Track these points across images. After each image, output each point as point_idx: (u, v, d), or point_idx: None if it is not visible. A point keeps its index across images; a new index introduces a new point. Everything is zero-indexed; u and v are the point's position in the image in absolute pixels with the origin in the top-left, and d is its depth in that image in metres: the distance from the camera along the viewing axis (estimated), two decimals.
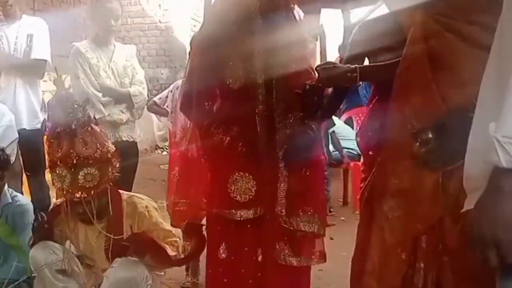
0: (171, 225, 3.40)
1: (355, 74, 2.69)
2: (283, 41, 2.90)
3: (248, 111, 2.90)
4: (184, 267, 4.45)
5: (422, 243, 2.49)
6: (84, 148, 3.09)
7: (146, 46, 11.02)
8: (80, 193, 3.11)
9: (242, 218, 2.92)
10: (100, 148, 3.16)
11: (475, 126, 1.47)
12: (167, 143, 4.18)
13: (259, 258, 3.02)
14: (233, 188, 2.91)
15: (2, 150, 3.69)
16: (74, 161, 3.06)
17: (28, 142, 4.07)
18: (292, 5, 3.02)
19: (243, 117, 2.92)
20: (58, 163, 3.12)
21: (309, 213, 2.95)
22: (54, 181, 3.18)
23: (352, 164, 6.66)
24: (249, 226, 2.98)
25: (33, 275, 3.46)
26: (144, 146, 7.81)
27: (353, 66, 2.71)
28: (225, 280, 3.08)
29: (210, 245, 3.18)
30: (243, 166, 2.92)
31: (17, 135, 4.14)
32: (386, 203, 2.49)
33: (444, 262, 2.46)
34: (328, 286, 4.18)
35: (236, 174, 2.92)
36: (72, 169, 3.07)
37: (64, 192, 3.16)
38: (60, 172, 3.11)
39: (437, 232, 2.45)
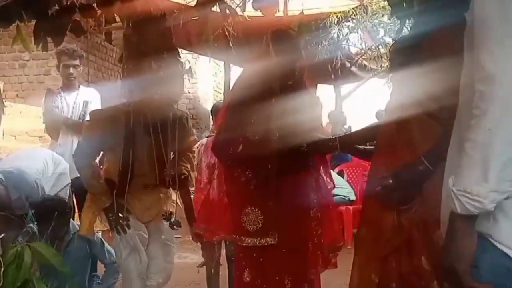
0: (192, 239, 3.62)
1: (336, 143, 2.84)
2: (295, 106, 2.96)
3: (263, 158, 2.91)
4: None
5: (392, 263, 2.41)
6: None
7: None
8: None
9: (249, 245, 2.92)
10: None
11: (445, 178, 1.47)
12: (193, 188, 4.19)
13: (288, 286, 2.99)
14: (245, 219, 2.92)
15: (52, 199, 3.75)
16: None
17: (80, 187, 4.10)
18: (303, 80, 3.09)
19: (258, 162, 2.93)
20: None
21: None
22: None
23: (344, 208, 6.71)
24: (272, 254, 2.95)
25: None
26: None
27: (334, 137, 2.86)
28: None
29: (238, 269, 3.14)
30: (255, 201, 2.93)
31: (69, 181, 4.18)
32: (360, 231, 2.51)
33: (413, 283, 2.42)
34: None
35: (248, 208, 2.92)
36: None
37: None
38: None
39: (402, 255, 2.38)
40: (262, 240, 2.92)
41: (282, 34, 3.01)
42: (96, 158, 3.47)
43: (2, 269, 1.75)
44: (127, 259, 3.25)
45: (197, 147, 4.89)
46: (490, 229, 1.31)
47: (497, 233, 1.31)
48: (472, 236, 1.32)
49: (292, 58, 2.96)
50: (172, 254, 3.48)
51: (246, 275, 3.04)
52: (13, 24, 2.80)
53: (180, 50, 3.44)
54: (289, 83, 3.01)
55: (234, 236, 3.00)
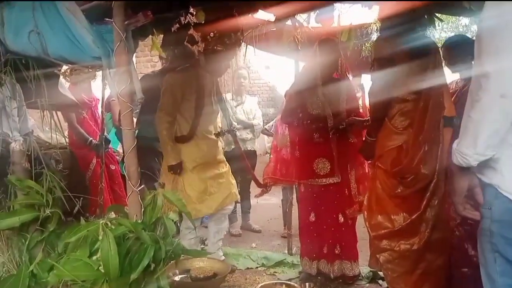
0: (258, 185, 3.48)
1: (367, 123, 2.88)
2: (337, 91, 3.08)
3: (321, 122, 3.03)
4: (282, 222, 4.51)
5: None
6: None
7: (261, 96, 11.17)
8: None
9: (322, 184, 3.04)
10: None
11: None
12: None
13: (340, 220, 3.07)
14: (316, 167, 3.05)
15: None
16: None
17: None
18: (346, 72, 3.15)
19: (318, 125, 3.04)
20: None
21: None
22: None
23: None
24: (329, 191, 3.05)
25: None
26: (259, 152, 7.93)
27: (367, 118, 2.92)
28: (315, 234, 3.13)
29: (303, 210, 3.21)
30: (322, 154, 3.04)
31: None
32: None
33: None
34: None
35: (318, 159, 3.05)
36: None
37: None
38: None
39: None
40: (330, 180, 3.04)
41: (327, 41, 3.06)
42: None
43: (142, 209, 1.80)
44: None
45: (274, 121, 4.95)
46: (499, 182, 1.35)
47: (504, 184, 1.35)
48: (464, 179, 1.42)
49: (334, 57, 3.05)
50: None
51: (311, 216, 3.13)
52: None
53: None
54: (332, 75, 3.12)
55: (311, 180, 3.09)
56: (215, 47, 2.97)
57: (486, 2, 1.32)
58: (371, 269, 3.06)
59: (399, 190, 2.48)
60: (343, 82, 3.13)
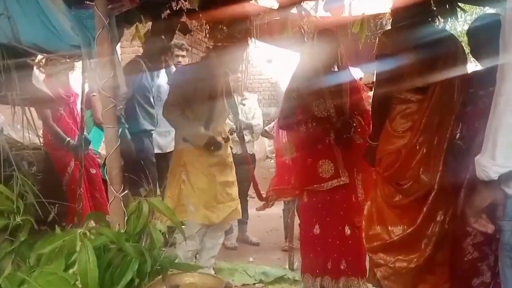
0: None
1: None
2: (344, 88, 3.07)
3: (324, 121, 3.04)
4: (283, 234, 4.51)
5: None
6: None
7: (262, 93, 11.21)
8: None
9: (328, 188, 3.03)
10: None
11: None
12: (273, 155, 4.28)
13: (347, 232, 3.07)
14: (320, 170, 3.05)
15: None
16: None
17: None
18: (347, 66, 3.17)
19: (322, 124, 3.04)
20: None
21: None
22: None
23: None
24: (335, 199, 3.05)
25: None
26: (259, 156, 7.95)
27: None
28: (319, 248, 3.13)
29: (306, 221, 3.22)
30: (325, 155, 3.04)
31: None
32: None
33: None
34: None
35: (321, 161, 3.04)
36: None
37: None
38: None
39: None
40: (335, 181, 3.04)
41: (325, 32, 3.07)
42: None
43: (126, 218, 1.80)
44: None
45: (276, 123, 4.95)
46: None
47: None
48: (487, 193, 1.41)
49: (333, 50, 3.04)
50: None
51: (315, 228, 3.12)
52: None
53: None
54: (332, 69, 3.13)
55: (316, 185, 3.09)
56: (225, 43, 3.03)
57: None
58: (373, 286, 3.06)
59: (397, 199, 2.49)
60: (343, 74, 3.14)
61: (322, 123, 3.04)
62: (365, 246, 2.62)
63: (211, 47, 3.17)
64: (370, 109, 2.82)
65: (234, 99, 3.64)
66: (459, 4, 2.65)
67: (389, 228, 2.49)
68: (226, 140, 3.30)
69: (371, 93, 3.53)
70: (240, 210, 3.42)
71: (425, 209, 2.38)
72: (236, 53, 3.17)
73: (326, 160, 3.06)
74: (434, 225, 2.39)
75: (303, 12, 3.40)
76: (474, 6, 4.98)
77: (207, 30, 3.12)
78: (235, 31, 3.01)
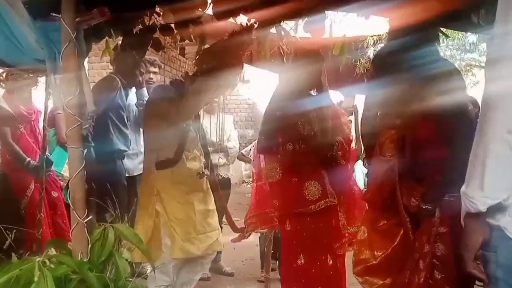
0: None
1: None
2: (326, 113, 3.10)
3: (312, 142, 3.03)
4: (259, 264, 4.49)
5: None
6: None
7: (239, 114, 11.30)
8: None
9: (314, 210, 2.99)
10: None
11: None
12: (250, 179, 4.26)
13: (329, 261, 3.07)
14: (306, 192, 3.01)
15: None
16: None
17: None
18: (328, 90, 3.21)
19: (309, 145, 3.04)
20: None
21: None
22: None
23: None
24: (319, 227, 3.03)
25: None
26: (235, 180, 7.93)
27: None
28: (303, 280, 3.09)
29: (288, 252, 3.18)
30: (311, 176, 3.03)
31: None
32: None
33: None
34: None
35: (307, 182, 3.02)
36: None
37: None
38: None
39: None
40: (322, 202, 3.02)
41: (305, 53, 3.13)
42: None
43: (90, 245, 1.77)
44: None
45: (254, 146, 4.97)
46: (506, 224, 1.37)
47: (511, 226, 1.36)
48: (477, 231, 1.40)
49: (314, 72, 3.09)
50: None
51: (299, 259, 3.11)
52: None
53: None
54: (311, 92, 3.17)
55: (301, 209, 3.06)
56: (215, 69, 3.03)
57: (497, 17, 1.34)
58: None
59: (381, 224, 2.58)
60: (323, 97, 3.19)
61: (309, 143, 3.07)
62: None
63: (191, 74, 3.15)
64: (360, 133, 2.92)
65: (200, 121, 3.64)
66: (441, 29, 2.75)
67: (375, 253, 2.57)
68: (201, 176, 3.25)
69: (351, 117, 3.61)
70: (221, 241, 3.35)
71: (400, 235, 2.48)
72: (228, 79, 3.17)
73: (313, 181, 3.05)
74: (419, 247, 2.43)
75: (283, 32, 3.45)
76: (456, 32, 5.16)
77: (196, 57, 3.13)
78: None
